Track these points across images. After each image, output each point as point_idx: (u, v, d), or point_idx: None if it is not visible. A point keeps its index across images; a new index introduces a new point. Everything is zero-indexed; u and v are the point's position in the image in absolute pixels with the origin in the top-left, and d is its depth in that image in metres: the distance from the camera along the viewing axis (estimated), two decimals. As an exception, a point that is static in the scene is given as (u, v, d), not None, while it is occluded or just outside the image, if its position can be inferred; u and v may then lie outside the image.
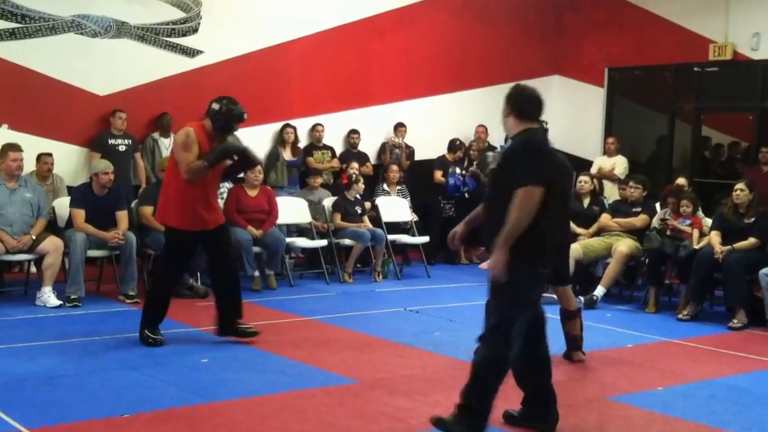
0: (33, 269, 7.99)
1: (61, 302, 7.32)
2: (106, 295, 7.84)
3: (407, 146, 11.15)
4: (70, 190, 8.36)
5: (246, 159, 6.18)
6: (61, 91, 9.07)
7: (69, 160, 9.07)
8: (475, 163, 11.03)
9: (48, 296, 7.33)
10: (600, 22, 12.57)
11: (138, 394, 4.89)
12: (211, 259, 6.30)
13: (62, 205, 7.96)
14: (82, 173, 9.00)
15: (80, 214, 7.59)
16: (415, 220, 10.23)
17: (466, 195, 10.81)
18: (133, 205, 8.23)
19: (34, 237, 7.43)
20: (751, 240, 7.63)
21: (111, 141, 9.15)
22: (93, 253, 7.67)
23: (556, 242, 4.89)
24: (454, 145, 11.07)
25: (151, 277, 5.92)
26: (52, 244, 7.45)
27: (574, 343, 6.02)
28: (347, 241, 9.31)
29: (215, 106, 6.00)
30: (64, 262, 7.52)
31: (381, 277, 9.48)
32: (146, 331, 6.05)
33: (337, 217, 9.39)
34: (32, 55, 8.87)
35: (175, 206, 5.95)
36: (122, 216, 7.74)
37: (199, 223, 5.95)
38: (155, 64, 9.57)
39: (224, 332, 6.24)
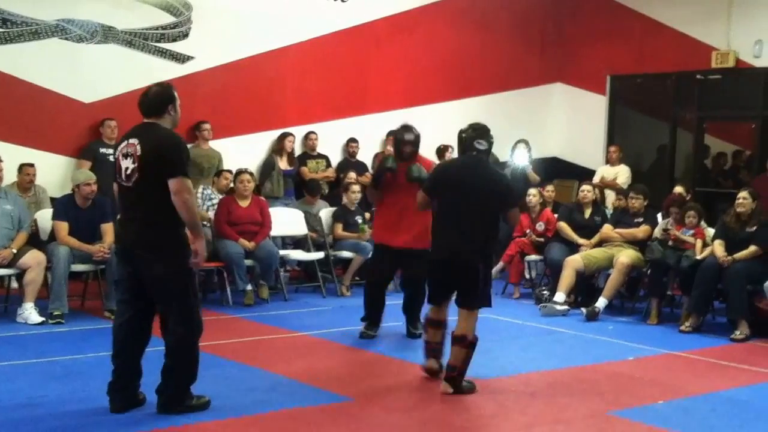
0: (14, 284, 7.74)
1: (44, 319, 7.06)
2: (91, 312, 7.60)
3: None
4: (53, 201, 8.08)
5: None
6: (44, 99, 8.78)
7: (52, 171, 8.78)
8: None
9: (29, 313, 7.05)
10: (601, 30, 12.44)
11: (123, 415, 4.69)
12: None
13: (44, 217, 7.70)
14: (67, 184, 8.67)
15: (63, 227, 7.35)
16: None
17: None
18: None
19: (14, 251, 7.17)
20: (752, 248, 7.50)
21: (102, 150, 8.81)
22: (77, 267, 7.42)
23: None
24: (440, 150, 10.75)
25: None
26: (33, 258, 7.18)
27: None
28: (346, 254, 8.98)
29: None
30: (46, 277, 7.29)
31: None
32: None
33: (338, 227, 9.09)
34: (14, 60, 8.58)
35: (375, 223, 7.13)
36: (107, 228, 7.46)
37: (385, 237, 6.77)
38: (144, 71, 9.23)
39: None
